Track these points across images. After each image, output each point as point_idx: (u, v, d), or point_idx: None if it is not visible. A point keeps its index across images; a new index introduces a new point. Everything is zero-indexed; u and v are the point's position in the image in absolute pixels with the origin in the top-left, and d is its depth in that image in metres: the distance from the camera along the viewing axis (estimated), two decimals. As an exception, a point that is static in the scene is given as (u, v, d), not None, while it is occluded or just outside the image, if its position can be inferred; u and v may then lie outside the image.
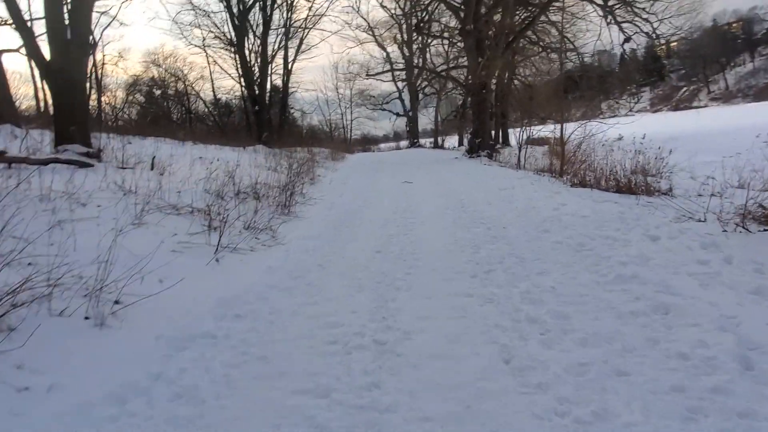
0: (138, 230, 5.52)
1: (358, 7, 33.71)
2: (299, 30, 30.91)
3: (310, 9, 29.44)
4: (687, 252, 4.61)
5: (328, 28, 47.23)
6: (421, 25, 19.41)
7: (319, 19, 30.93)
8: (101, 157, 9.67)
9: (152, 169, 9.56)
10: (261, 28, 21.40)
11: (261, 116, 21.20)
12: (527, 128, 16.15)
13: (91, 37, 11.56)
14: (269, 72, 31.72)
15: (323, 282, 4.76)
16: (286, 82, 31.91)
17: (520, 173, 12.42)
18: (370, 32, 34.10)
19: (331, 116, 43.24)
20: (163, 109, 35.92)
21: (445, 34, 25.01)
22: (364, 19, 33.76)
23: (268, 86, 32.14)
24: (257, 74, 21.80)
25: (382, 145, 41.72)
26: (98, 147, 9.88)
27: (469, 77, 22.92)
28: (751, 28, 65.67)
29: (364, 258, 5.55)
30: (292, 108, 44.81)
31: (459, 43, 25.52)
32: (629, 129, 12.50)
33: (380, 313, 3.84)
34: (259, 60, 22.13)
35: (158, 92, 35.85)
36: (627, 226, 5.77)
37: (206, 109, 35.26)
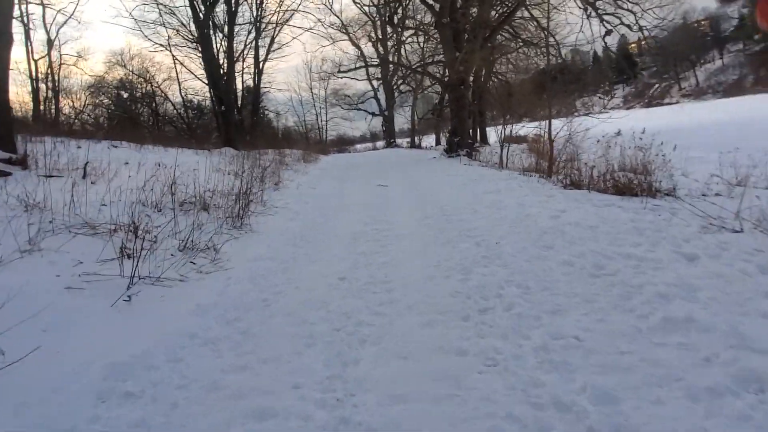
0: (27, 259, 4.19)
1: (331, 5, 32.41)
2: (270, 27, 29.60)
3: (280, 5, 28.15)
4: (745, 279, 3.46)
5: (300, 25, 45.75)
6: (395, 19, 18.12)
7: (291, 16, 29.61)
8: (27, 163, 8.27)
9: (84, 177, 8.16)
10: (227, 24, 19.86)
11: (228, 117, 19.73)
12: (508, 126, 15.04)
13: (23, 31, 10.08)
14: (237, 70, 30.41)
15: (263, 329, 3.50)
16: (257, 82, 30.46)
17: (505, 174, 11.28)
18: (344, 30, 32.79)
19: (305, 117, 41.82)
20: (130, 111, 34.10)
21: (420, 29, 23.83)
22: (337, 16, 32.39)
23: (240, 86, 30.76)
24: (223, 73, 20.30)
25: (358, 146, 40.39)
26: (24, 152, 8.48)
27: (445, 74, 21.80)
28: (719, 25, 66.05)
29: (324, 288, 4.29)
30: (266, 109, 43.45)
31: (435, 37, 24.39)
32: (619, 124, 11.49)
33: (335, 389, 2.60)
34: (225, 58, 20.63)
35: (125, 94, 34.07)
36: (648, 240, 4.61)
37: (175, 111, 33.62)
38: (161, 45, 23.96)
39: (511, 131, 15.33)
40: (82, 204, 5.72)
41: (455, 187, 9.80)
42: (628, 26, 18.27)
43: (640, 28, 17.03)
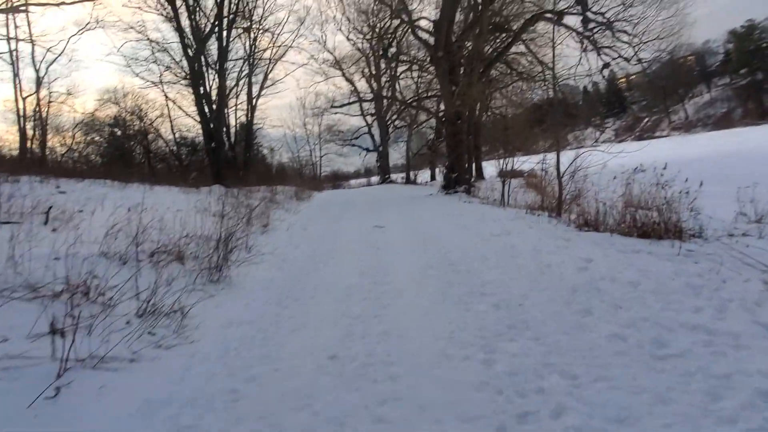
0: (-71, 340, 3.26)
1: (324, 42, 32.23)
2: (262, 62, 29.24)
3: (273, 42, 27.85)
4: None
5: (293, 61, 45.60)
6: (390, 53, 17.56)
7: (285, 52, 29.31)
8: (-14, 207, 7.41)
9: (46, 222, 7.25)
10: (218, 60, 19.31)
11: (218, 154, 18.97)
12: (508, 160, 14.32)
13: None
14: (230, 106, 29.92)
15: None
16: (250, 119, 29.91)
17: (510, 212, 10.45)
18: (337, 66, 32.53)
19: (299, 153, 41.25)
20: (122, 149, 33.44)
21: (415, 63, 23.42)
22: (331, 53, 32.20)
23: (234, 122, 30.19)
24: (214, 109, 19.64)
25: (353, 182, 39.67)
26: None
27: (441, 109, 21.28)
28: (704, 60, 66.88)
29: (310, 372, 3.34)
30: (260, 145, 42.90)
31: (430, 72, 23.99)
32: (626, 157, 10.75)
33: None
34: (216, 94, 20.00)
35: (119, 132, 33.46)
36: (710, 303, 3.72)
37: (168, 148, 32.97)
38: (152, 82, 23.38)
39: (511, 166, 14.60)
40: (28, 258, 4.80)
41: (458, 228, 8.94)
42: (626, 59, 17.83)
43: (639, 61, 16.57)
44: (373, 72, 32.22)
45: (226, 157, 29.43)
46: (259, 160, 41.29)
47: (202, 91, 19.01)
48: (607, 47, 17.91)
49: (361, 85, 32.99)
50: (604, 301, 4.03)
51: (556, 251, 6.08)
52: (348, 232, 9.98)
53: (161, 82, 26.17)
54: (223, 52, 19.11)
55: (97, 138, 32.34)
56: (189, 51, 18.69)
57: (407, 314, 4.38)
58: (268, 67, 29.64)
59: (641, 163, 8.26)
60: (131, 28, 22.03)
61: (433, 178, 33.17)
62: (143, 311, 4.42)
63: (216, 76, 22.68)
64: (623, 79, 63.14)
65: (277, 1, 30.89)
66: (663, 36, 15.69)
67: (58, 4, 19.52)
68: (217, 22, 19.00)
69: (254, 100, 29.61)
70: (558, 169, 9.62)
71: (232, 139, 30.51)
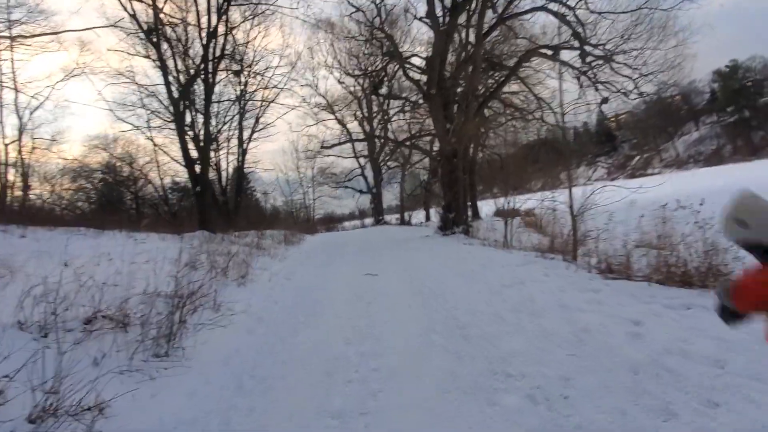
0: None
1: (316, 85, 31.73)
2: (253, 106, 28.58)
3: (265, 86, 27.23)
4: None
5: (285, 103, 45.28)
6: (380, 91, 16.70)
7: (276, 96, 28.68)
8: None
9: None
10: (204, 102, 18.43)
11: (203, 198, 17.82)
12: (508, 199, 13.24)
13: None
14: (219, 150, 29.06)
15: None
16: (241, 163, 28.99)
17: (517, 256, 9.25)
18: (329, 110, 31.94)
19: (293, 197, 40.23)
20: (110, 196, 32.36)
21: (408, 102, 22.70)
22: (323, 96, 31.62)
23: (225, 166, 29.24)
24: (199, 153, 18.62)
25: (347, 224, 38.49)
26: None
27: (434, 148, 20.38)
28: (690, 99, 67.38)
29: None
30: (253, 189, 41.93)
31: (420, 114, 23.27)
32: (644, 193, 9.66)
33: None
34: (202, 137, 19.02)
35: (110, 178, 32.45)
36: None
37: (156, 194, 31.91)
38: (135, 126, 22.41)
39: (512, 204, 13.51)
40: None
41: (462, 276, 7.71)
42: (625, 93, 17.07)
43: (641, 94, 15.77)
44: (366, 114, 31.63)
45: (215, 201, 28.44)
46: (252, 204, 40.31)
47: (187, 134, 18.02)
48: (605, 82, 17.18)
49: (354, 127, 32.37)
50: (687, 392, 2.79)
51: (588, 308, 4.85)
52: (337, 281, 8.73)
53: (149, 127, 25.37)
54: (209, 93, 18.24)
55: (85, 185, 31.26)
56: (173, 93, 17.81)
57: (406, 412, 3.10)
58: (259, 111, 28.98)
59: (677, 198, 7.11)
60: (120, 74, 21.39)
61: (428, 218, 32.09)
62: (40, 412, 3.14)
63: (197, 117, 21.93)
64: (613, 119, 63.34)
65: (268, 47, 30.31)
66: (664, 69, 14.94)
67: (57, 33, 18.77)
68: (203, 65, 18.19)
69: (245, 144, 28.81)
70: (571, 206, 8.49)
71: (224, 183, 29.69)
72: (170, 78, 18.34)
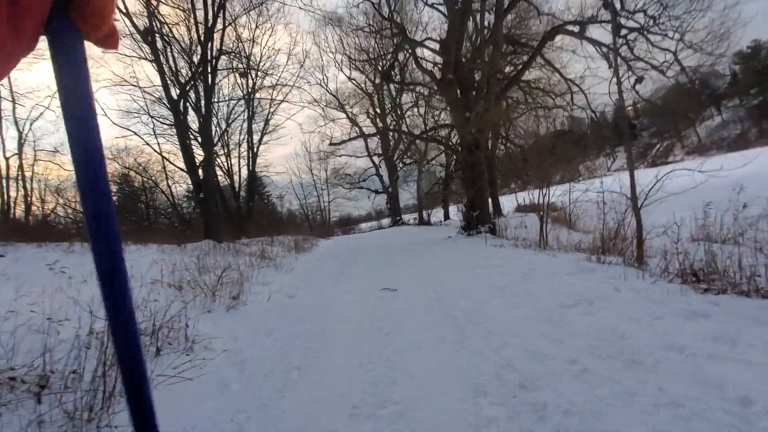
0: None
1: (326, 83, 30.16)
2: (262, 108, 27.21)
3: (272, 86, 25.83)
4: None
5: (295, 104, 44.01)
6: (393, 77, 14.97)
7: (286, 95, 27.24)
8: None
9: None
10: (204, 101, 16.97)
11: (207, 205, 16.34)
12: (542, 191, 11.46)
13: None
14: (231, 156, 27.68)
15: None
16: (252, 168, 27.59)
17: (562, 260, 7.50)
18: (341, 108, 30.36)
19: (308, 200, 38.78)
20: (121, 207, 31.24)
21: (422, 96, 20.96)
22: (333, 95, 30.04)
23: (238, 170, 27.80)
24: (203, 156, 17.17)
25: (363, 225, 36.93)
26: None
27: (453, 139, 18.62)
28: (711, 83, 64.26)
29: None
30: (268, 194, 40.55)
31: (434, 106, 21.52)
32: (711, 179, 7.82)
33: None
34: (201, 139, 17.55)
35: (120, 189, 31.34)
36: None
37: (169, 203, 30.65)
38: (133, 132, 20.96)
39: (546, 198, 11.72)
40: None
41: (502, 291, 5.99)
42: (661, 71, 15.13)
43: (682, 69, 13.82)
44: (378, 111, 29.98)
45: (226, 207, 27.06)
46: (267, 209, 38.96)
47: (185, 138, 16.56)
48: (639, 59, 15.28)
49: (366, 125, 30.72)
50: None
51: (721, 352, 3.10)
52: (348, 299, 7.08)
53: (154, 134, 24.08)
54: (209, 92, 16.75)
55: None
56: (172, 93, 16.38)
57: None
58: (269, 113, 27.56)
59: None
60: (124, 80, 20.05)
61: (446, 217, 30.30)
62: None
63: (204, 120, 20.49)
64: (631, 107, 60.53)
65: (275, 46, 28.88)
66: (708, 38, 12.99)
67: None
68: (201, 67, 16.71)
69: (256, 147, 27.40)
70: (634, 195, 6.71)
71: (236, 188, 28.31)
72: (169, 80, 16.96)
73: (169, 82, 16.30)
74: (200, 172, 16.49)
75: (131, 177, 31.14)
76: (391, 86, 23.91)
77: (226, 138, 27.83)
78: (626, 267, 6.32)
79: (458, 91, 14.26)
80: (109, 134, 23.97)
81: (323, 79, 30.05)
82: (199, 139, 17.17)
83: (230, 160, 28.15)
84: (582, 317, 4.38)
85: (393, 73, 14.63)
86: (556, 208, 24.31)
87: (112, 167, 28.84)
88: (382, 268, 9.76)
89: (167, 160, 22.27)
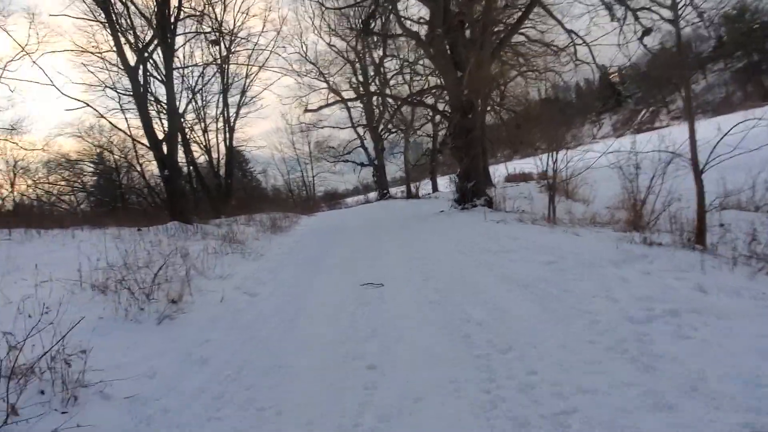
0: None
1: (305, 52, 27.82)
2: (235, 78, 24.96)
3: (247, 55, 23.60)
4: None
5: (273, 74, 41.25)
6: (370, 26, 12.90)
7: (263, 64, 24.94)
8: None
9: None
10: (163, 67, 14.79)
11: (173, 182, 14.40)
12: (554, 157, 9.73)
13: None
14: (208, 131, 25.56)
15: None
16: (229, 143, 25.42)
17: (591, 240, 5.82)
18: (322, 78, 28.10)
19: (290, 175, 36.69)
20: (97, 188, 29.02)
21: (406, 63, 18.94)
22: (313, 63, 27.72)
23: (220, 148, 25.63)
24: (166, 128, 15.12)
25: (349, 200, 35.02)
26: None
27: (444, 105, 16.73)
28: (690, 47, 62.50)
29: None
30: (252, 170, 38.36)
31: (423, 67, 19.51)
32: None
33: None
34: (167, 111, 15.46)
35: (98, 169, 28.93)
36: None
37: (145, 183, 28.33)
38: (86, 104, 18.34)
39: (554, 166, 10.00)
40: None
41: (530, 292, 4.25)
42: (670, 21, 13.24)
43: (701, 15, 11.97)
44: (361, 80, 27.80)
45: (203, 185, 25.00)
46: (251, 186, 36.82)
47: (145, 109, 14.49)
48: (643, 9, 13.44)
49: (350, 95, 28.53)
50: None
51: None
52: (321, 301, 5.33)
53: (121, 109, 21.70)
54: (169, 57, 14.58)
55: (68, 177, 27.63)
56: (128, 60, 14.21)
57: None
58: (245, 84, 25.27)
59: None
60: (83, 50, 17.61)
61: (434, 189, 28.53)
62: None
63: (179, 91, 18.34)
64: (615, 74, 58.66)
65: (249, 11, 26.40)
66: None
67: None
68: (159, 29, 14.48)
69: (233, 121, 25.20)
70: (694, 154, 4.97)
71: (215, 165, 26.15)
72: (127, 43, 14.77)
73: (126, 48, 14.10)
74: (164, 147, 14.45)
75: (105, 156, 28.75)
76: (374, 51, 21.73)
77: (202, 113, 25.62)
78: (686, 250, 4.65)
79: (448, 48, 12.33)
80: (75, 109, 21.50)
81: (302, 47, 27.64)
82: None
83: (207, 135, 25.97)
84: (675, 344, 2.69)
85: (371, 22, 12.56)
86: (546, 177, 22.71)
87: (81, 146, 26.51)
88: (366, 252, 8.03)
89: (127, 134, 19.97)
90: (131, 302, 5.10)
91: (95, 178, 29.52)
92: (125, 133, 18.90)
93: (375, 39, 16.04)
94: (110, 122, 17.85)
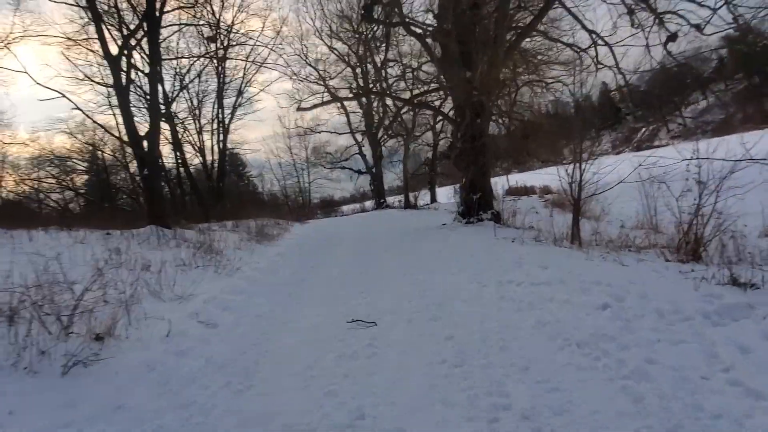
0: None
1: (306, 55, 26.49)
2: (231, 79, 23.69)
3: (244, 54, 22.36)
4: None
5: (271, 76, 40.04)
6: (372, 11, 11.55)
7: (262, 63, 23.68)
8: None
9: None
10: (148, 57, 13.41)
11: (152, 183, 12.96)
12: (579, 170, 8.36)
13: None
14: (203, 132, 24.24)
15: None
16: (223, 146, 24.05)
17: (649, 273, 4.43)
18: (321, 82, 26.74)
19: (286, 180, 35.21)
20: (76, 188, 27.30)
21: (408, 69, 17.66)
22: (313, 67, 26.38)
23: (214, 150, 24.20)
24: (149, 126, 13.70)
25: (345, 208, 33.50)
26: None
27: (450, 110, 15.40)
28: (692, 68, 61.77)
29: None
30: (248, 173, 36.94)
31: (425, 74, 18.15)
32: None
33: None
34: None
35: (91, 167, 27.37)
36: None
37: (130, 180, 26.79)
38: (61, 94, 16.73)
39: (578, 179, 8.61)
40: None
41: (592, 359, 2.87)
42: (697, 26, 12.00)
43: (735, 19, 10.70)
44: (362, 85, 26.49)
45: (195, 188, 23.56)
46: (247, 190, 35.36)
47: (126, 103, 13.09)
48: (669, 12, 12.19)
49: (350, 101, 27.16)
50: None
51: None
52: (296, 342, 3.92)
53: (110, 104, 20.28)
54: (154, 48, 13.19)
55: (57, 175, 26.05)
56: (109, 49, 12.81)
57: None
58: (242, 84, 23.98)
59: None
60: (72, 41, 16.22)
61: (433, 199, 27.15)
62: None
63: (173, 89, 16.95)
64: (615, 92, 57.56)
65: (249, 10, 25.14)
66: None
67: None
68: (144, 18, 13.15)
69: (227, 121, 23.85)
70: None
71: (209, 168, 24.76)
72: (109, 28, 13.43)
73: (109, 39, 12.76)
74: (144, 144, 13.02)
75: (97, 155, 27.23)
76: (376, 55, 20.50)
77: (197, 113, 24.29)
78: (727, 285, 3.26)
79: (457, 44, 10.99)
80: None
81: (302, 49, 26.30)
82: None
83: (202, 136, 24.57)
84: None
85: (373, 8, 11.22)
86: (551, 191, 21.31)
87: (71, 142, 24.98)
88: (358, 275, 6.61)
89: (105, 129, 18.54)
90: (39, 338, 3.69)
91: (86, 176, 28.03)
92: (103, 127, 17.44)
93: (377, 36, 14.72)
94: (87, 115, 16.39)
